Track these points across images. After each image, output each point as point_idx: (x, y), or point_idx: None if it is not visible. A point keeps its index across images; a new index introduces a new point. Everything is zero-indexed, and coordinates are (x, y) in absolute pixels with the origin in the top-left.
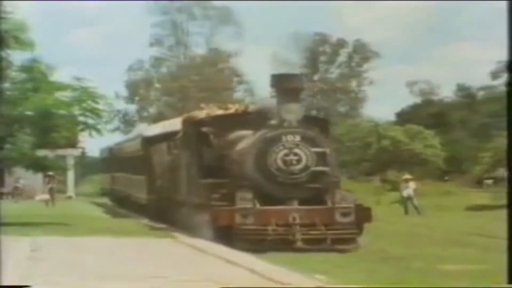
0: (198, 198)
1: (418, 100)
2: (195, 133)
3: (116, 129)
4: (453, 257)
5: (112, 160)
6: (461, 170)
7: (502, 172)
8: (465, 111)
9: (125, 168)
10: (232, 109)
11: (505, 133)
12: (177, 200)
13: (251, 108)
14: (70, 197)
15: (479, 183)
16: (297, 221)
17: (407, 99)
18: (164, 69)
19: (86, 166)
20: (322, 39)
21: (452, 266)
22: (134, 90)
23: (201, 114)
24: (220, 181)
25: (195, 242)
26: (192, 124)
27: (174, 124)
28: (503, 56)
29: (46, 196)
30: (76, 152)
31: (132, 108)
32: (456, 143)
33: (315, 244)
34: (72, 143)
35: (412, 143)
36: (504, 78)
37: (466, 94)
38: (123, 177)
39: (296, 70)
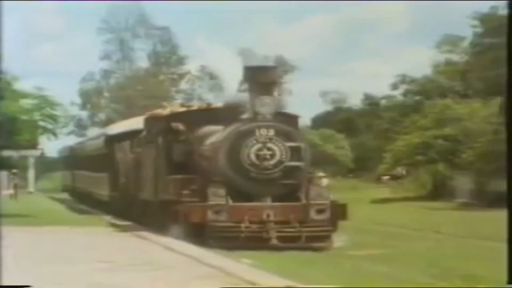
0: (166, 195)
1: (330, 108)
2: (164, 128)
3: (71, 132)
4: (359, 243)
5: (74, 159)
6: (366, 168)
7: (400, 170)
8: (370, 117)
9: (87, 166)
10: (195, 107)
11: (404, 136)
12: (143, 196)
13: (221, 103)
14: (30, 192)
15: (378, 179)
16: (271, 218)
17: (321, 107)
18: (112, 80)
19: (44, 165)
20: (249, 55)
21: (357, 251)
22: (87, 98)
23: (164, 111)
24: (190, 177)
25: (140, 232)
26: (160, 120)
27: (139, 122)
28: (401, 70)
29: (11, 191)
30: (36, 152)
31: (85, 114)
32: (362, 145)
33: (289, 242)
34: (33, 145)
35: (325, 145)
36: (401, 89)
37: (370, 102)
38: (85, 174)
39: (224, 82)
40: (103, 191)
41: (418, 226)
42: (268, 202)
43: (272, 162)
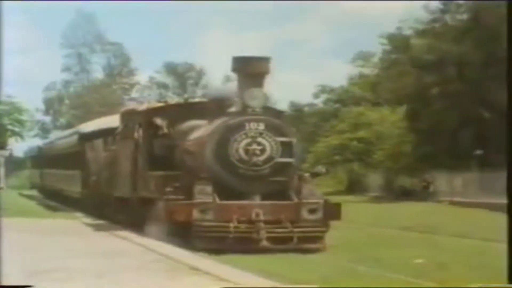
0: (147, 192)
1: None
2: (144, 123)
3: (36, 135)
4: None
5: (42, 157)
6: None
7: (320, 168)
8: (296, 122)
9: (57, 164)
10: (173, 101)
11: (324, 139)
12: (119, 193)
13: (208, 96)
14: (1, 188)
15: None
16: (261, 217)
17: None
18: (72, 89)
19: (12, 164)
20: (189, 67)
21: None
22: (49, 105)
23: (141, 107)
24: (173, 173)
25: (94, 223)
26: (139, 114)
27: (112, 121)
28: (322, 81)
29: None
30: (5, 153)
31: (47, 119)
32: None
33: (280, 243)
34: (2, 146)
35: None
36: (322, 98)
37: (296, 109)
38: (55, 172)
39: (170, 91)
40: (75, 188)
41: None
42: (257, 200)
43: (262, 158)
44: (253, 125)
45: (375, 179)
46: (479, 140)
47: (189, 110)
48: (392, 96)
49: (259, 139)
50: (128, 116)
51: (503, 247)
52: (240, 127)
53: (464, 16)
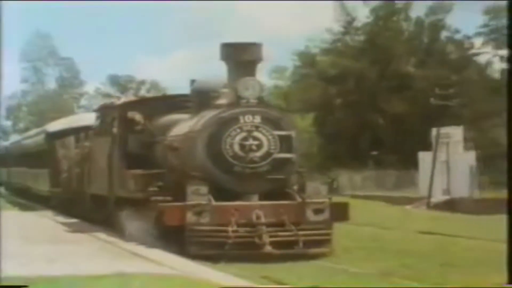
0: (124, 191)
1: None
2: (119, 117)
3: None
4: None
5: (9, 156)
6: None
7: None
8: None
9: (25, 163)
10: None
11: None
12: (93, 191)
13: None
14: None
15: None
16: (262, 220)
17: None
18: (29, 98)
19: None
20: (130, 79)
21: None
22: (10, 111)
23: (119, 102)
24: (153, 172)
25: (56, 217)
26: (115, 109)
27: (81, 119)
28: None
29: None
30: None
31: (8, 123)
32: None
33: (284, 248)
34: None
35: None
36: None
37: None
38: (22, 171)
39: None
40: (43, 187)
41: None
42: (255, 200)
43: (259, 153)
44: (248, 118)
45: None
46: (374, 143)
47: (168, 103)
48: (302, 105)
49: (255, 133)
50: (104, 111)
51: (396, 233)
52: (233, 120)
53: (362, 38)
